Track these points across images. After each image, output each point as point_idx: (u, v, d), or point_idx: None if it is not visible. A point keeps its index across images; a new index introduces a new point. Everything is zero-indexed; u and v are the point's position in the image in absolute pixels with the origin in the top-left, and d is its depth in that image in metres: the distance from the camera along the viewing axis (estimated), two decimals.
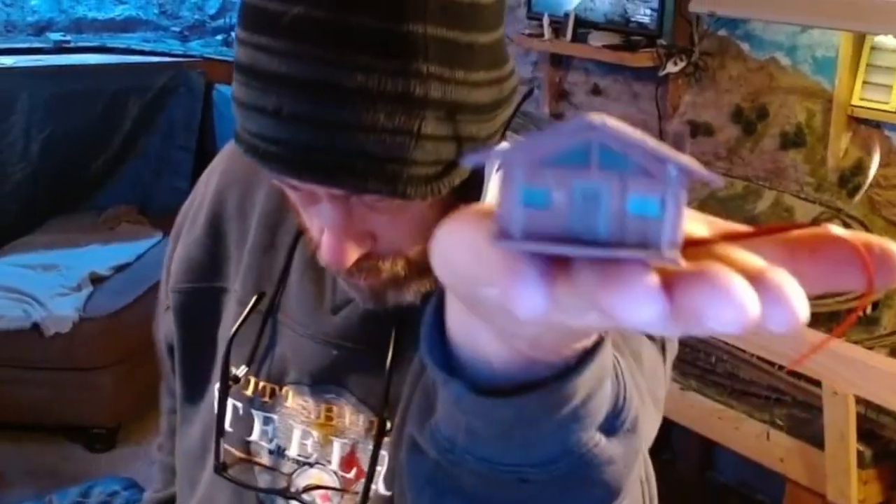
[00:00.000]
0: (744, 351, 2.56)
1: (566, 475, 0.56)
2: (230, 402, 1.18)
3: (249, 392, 1.17)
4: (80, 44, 5.13)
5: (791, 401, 2.60)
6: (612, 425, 0.58)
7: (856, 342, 2.40)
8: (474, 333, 0.52)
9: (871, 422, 2.36)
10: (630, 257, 0.38)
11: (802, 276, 0.42)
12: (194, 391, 1.24)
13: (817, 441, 2.38)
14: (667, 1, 3.42)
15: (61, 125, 4.78)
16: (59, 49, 5.05)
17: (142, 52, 5.20)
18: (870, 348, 2.37)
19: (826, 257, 0.42)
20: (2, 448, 3.84)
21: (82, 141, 4.86)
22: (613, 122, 0.39)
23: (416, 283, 1.01)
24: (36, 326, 3.82)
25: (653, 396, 0.88)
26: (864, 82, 2.88)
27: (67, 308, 3.91)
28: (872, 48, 2.86)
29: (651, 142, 0.39)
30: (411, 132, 0.87)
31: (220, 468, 1.17)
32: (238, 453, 1.18)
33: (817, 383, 2.34)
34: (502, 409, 0.53)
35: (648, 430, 0.85)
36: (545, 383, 0.52)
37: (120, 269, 4.28)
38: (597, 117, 0.39)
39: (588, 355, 0.52)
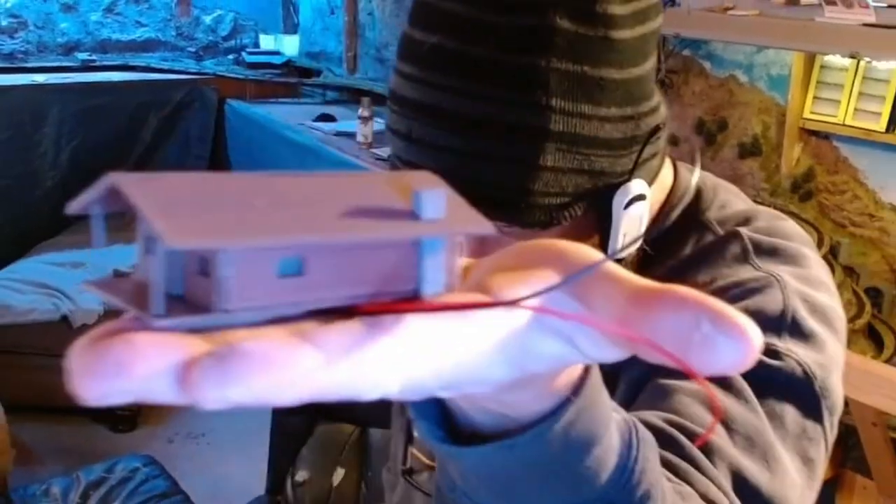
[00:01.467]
0: None
1: None
2: None
3: None
4: (105, 62, 5.12)
5: None
6: (614, 497, 0.48)
7: None
8: None
9: None
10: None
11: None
12: (400, 405, 1.20)
13: None
14: None
15: (88, 136, 4.79)
16: (86, 67, 5.04)
17: (161, 70, 5.20)
18: None
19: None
20: (34, 429, 3.83)
21: (107, 150, 4.86)
22: (125, 181, 0.33)
23: None
24: (65, 318, 3.82)
25: (802, 457, 0.80)
26: (815, 97, 2.88)
27: (93, 302, 3.90)
28: (822, 66, 2.86)
29: (147, 208, 0.32)
30: (530, 162, 0.82)
31: (407, 472, 1.14)
32: (426, 460, 1.13)
33: None
34: (462, 458, 0.47)
35: (792, 497, 0.76)
36: (502, 437, 0.44)
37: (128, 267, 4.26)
38: (116, 177, 0.33)
39: (552, 413, 0.44)
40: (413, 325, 0.34)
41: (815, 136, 2.95)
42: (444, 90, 0.82)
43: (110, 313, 3.85)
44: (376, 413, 2.18)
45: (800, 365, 0.83)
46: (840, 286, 2.66)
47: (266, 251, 0.33)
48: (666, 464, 0.66)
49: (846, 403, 2.18)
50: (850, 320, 2.57)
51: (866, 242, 2.84)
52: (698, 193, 1.03)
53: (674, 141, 3.44)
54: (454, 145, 0.82)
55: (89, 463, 3.15)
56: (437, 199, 0.38)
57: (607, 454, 0.47)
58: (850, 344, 2.50)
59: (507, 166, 0.83)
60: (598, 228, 0.90)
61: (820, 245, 2.75)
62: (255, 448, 2.86)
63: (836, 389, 0.85)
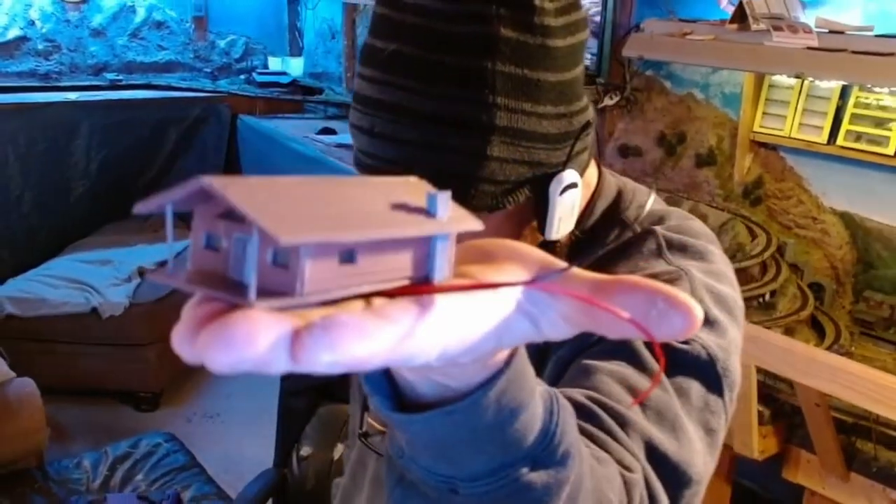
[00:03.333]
0: None
1: (489, 493, 0.49)
2: None
3: None
4: (131, 82, 5.10)
5: None
6: (539, 456, 0.50)
7: (756, 323, 2.40)
8: None
9: (769, 387, 2.36)
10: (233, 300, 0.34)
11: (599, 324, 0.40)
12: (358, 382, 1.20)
13: None
14: (604, 47, 3.42)
15: (115, 148, 4.78)
16: (113, 86, 5.02)
17: (180, 89, 5.18)
18: (768, 328, 2.38)
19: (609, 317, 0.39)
20: (67, 409, 3.82)
21: (132, 161, 4.86)
22: (219, 185, 0.34)
23: None
24: (94, 310, 3.81)
25: (704, 427, 0.82)
26: (764, 113, 2.89)
27: (120, 295, 3.89)
28: (770, 85, 2.87)
29: (244, 204, 0.33)
30: (479, 153, 0.85)
31: (363, 436, 1.16)
32: (378, 426, 1.15)
33: None
34: (409, 425, 0.48)
35: (697, 462, 0.77)
36: (444, 404, 0.46)
37: (163, 264, 4.23)
38: (208, 181, 0.35)
39: (486, 382, 0.46)
40: (443, 304, 0.38)
41: (764, 147, 2.96)
42: (403, 90, 0.85)
43: (136, 306, 3.84)
44: None
45: (704, 348, 0.85)
46: (786, 282, 2.67)
47: (333, 245, 0.36)
48: (586, 434, 0.68)
49: (791, 385, 2.19)
50: (795, 312, 2.58)
51: (809, 242, 2.85)
52: (619, 194, 1.06)
53: (638, 152, 3.44)
54: (412, 138, 0.85)
55: (116, 439, 3.15)
56: (445, 200, 0.41)
57: (533, 419, 0.49)
58: (795, 333, 2.50)
59: (458, 157, 0.85)
60: (536, 212, 0.93)
61: (768, 245, 2.75)
62: (264, 426, 2.86)
63: (735, 369, 0.89)
